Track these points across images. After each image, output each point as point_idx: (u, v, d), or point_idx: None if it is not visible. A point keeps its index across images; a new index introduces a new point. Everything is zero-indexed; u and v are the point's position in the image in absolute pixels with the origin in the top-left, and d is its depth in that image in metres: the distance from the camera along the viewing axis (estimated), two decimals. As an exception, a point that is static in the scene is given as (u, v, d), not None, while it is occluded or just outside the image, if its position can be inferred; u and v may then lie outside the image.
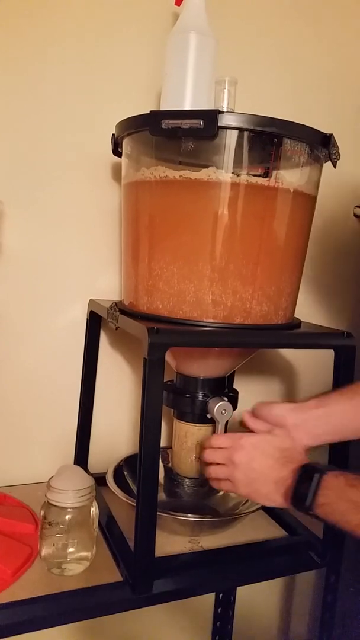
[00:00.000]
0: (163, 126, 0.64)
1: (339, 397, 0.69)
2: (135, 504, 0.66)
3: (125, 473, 0.84)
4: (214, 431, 0.80)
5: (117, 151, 0.80)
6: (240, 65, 0.94)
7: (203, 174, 0.66)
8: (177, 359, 0.77)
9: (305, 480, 0.56)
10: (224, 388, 0.80)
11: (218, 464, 0.66)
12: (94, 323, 0.89)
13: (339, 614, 0.80)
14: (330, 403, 0.68)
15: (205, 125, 0.62)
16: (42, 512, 0.67)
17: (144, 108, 0.69)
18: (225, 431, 0.98)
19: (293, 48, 1.00)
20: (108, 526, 0.77)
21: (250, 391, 0.88)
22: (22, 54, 0.81)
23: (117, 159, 0.83)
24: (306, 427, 0.67)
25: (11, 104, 0.82)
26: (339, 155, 0.73)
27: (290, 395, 1.08)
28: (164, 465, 0.87)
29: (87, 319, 0.89)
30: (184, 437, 0.79)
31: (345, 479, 0.55)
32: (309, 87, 1.02)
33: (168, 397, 0.78)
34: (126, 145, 0.76)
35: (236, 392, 0.80)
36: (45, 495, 0.67)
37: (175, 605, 0.98)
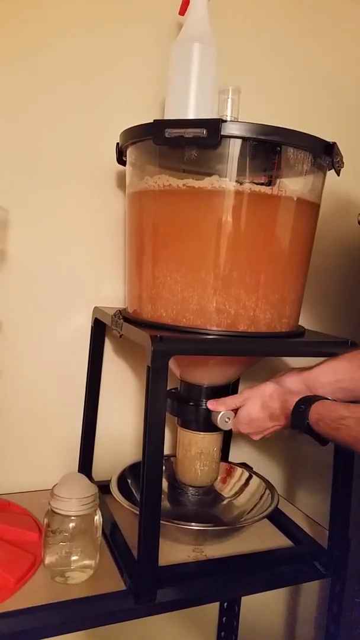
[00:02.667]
0: (166, 135, 0.65)
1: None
2: (138, 512, 0.66)
3: (129, 481, 0.84)
4: (218, 439, 0.80)
5: (121, 160, 0.80)
6: (244, 74, 0.94)
7: (206, 183, 0.66)
8: (181, 367, 0.77)
9: (299, 405, 0.66)
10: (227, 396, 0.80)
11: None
12: (99, 330, 0.89)
13: (344, 625, 0.79)
14: (329, 360, 0.73)
15: (209, 134, 0.63)
16: (45, 520, 0.67)
17: (147, 117, 0.69)
18: (230, 438, 0.98)
19: (297, 56, 1.00)
20: (112, 534, 0.76)
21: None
22: (28, 63, 0.82)
23: (121, 167, 0.83)
24: (320, 382, 0.71)
25: (16, 113, 0.83)
26: (343, 163, 0.73)
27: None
28: (168, 474, 0.87)
29: (92, 327, 0.89)
30: (188, 445, 0.79)
31: (332, 400, 0.66)
32: (313, 95, 1.02)
33: (172, 405, 0.78)
34: (130, 154, 0.76)
35: (240, 400, 0.80)
36: (49, 503, 0.67)
37: (180, 614, 0.97)
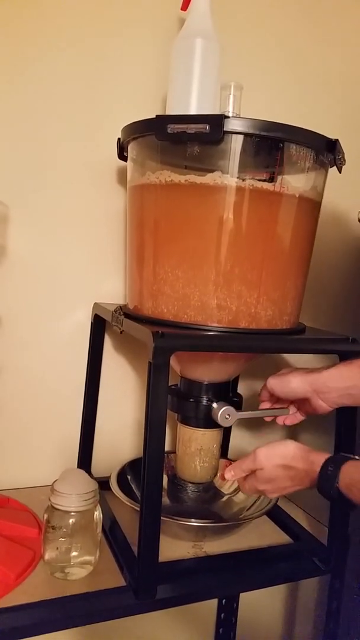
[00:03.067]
0: (169, 131, 0.64)
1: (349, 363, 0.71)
2: (138, 509, 0.66)
3: (129, 477, 0.84)
4: (218, 436, 0.80)
5: (122, 155, 0.80)
6: (247, 69, 0.94)
7: (208, 179, 0.66)
8: (182, 363, 0.77)
9: (327, 467, 0.61)
10: (228, 392, 0.80)
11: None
12: (99, 327, 0.89)
13: (343, 621, 0.80)
14: (340, 365, 0.72)
15: (211, 130, 0.62)
16: (45, 516, 0.67)
17: (149, 112, 0.69)
18: (230, 434, 0.98)
19: (300, 52, 1.00)
20: (111, 530, 0.76)
21: (255, 396, 0.88)
22: (28, 57, 0.82)
23: (122, 163, 0.83)
24: (328, 386, 0.70)
25: (16, 107, 0.82)
26: (344, 160, 0.73)
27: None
28: (167, 470, 0.87)
29: (92, 323, 0.89)
30: (188, 441, 0.79)
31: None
32: (316, 91, 1.02)
33: (172, 402, 0.78)
34: (132, 150, 0.76)
35: (240, 397, 0.80)
36: (49, 499, 0.67)
37: (178, 611, 0.97)
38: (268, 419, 0.80)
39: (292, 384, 0.72)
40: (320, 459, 0.62)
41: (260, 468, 0.67)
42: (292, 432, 1.13)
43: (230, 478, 0.71)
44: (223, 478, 0.76)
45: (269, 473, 0.67)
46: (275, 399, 0.79)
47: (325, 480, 0.60)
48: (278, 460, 0.66)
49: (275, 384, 0.74)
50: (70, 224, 0.88)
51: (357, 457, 0.62)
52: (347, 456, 0.61)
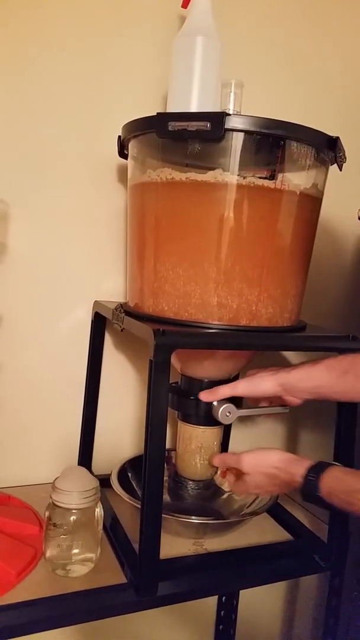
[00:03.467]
0: (170, 128, 0.64)
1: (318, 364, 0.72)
2: (139, 506, 0.66)
3: (130, 475, 0.84)
4: (218, 433, 0.80)
5: (123, 153, 0.80)
6: (247, 67, 0.94)
7: (209, 176, 0.66)
8: (182, 361, 0.77)
9: (308, 476, 0.64)
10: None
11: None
12: (99, 324, 0.89)
13: (342, 619, 0.80)
14: (306, 366, 0.72)
15: (212, 127, 0.63)
16: (46, 513, 0.67)
17: (150, 110, 0.69)
18: (230, 432, 0.98)
19: (300, 50, 1.00)
20: (112, 528, 0.77)
21: (255, 393, 0.88)
22: (28, 56, 0.82)
23: (122, 161, 0.83)
24: (297, 386, 0.71)
25: (16, 105, 0.82)
26: (345, 158, 0.73)
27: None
28: (168, 467, 0.87)
29: (92, 321, 0.89)
30: (188, 439, 0.79)
31: (342, 469, 0.63)
32: (317, 88, 1.02)
33: (173, 399, 0.78)
34: (132, 147, 0.76)
35: (241, 395, 0.80)
36: (50, 497, 0.67)
37: (178, 608, 0.98)
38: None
39: (261, 386, 0.72)
40: (300, 469, 0.64)
41: (246, 473, 0.70)
42: (293, 431, 1.13)
43: (215, 464, 0.76)
44: (224, 475, 0.77)
45: (255, 480, 0.70)
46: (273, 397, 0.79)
47: (308, 490, 0.63)
48: (262, 469, 0.69)
49: (245, 387, 0.73)
50: (71, 222, 0.88)
51: (335, 464, 0.65)
52: (325, 463, 0.64)
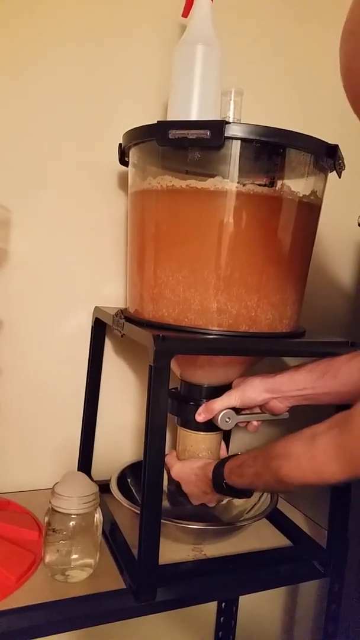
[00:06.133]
0: (170, 136, 0.65)
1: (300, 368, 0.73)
2: (138, 512, 0.66)
3: (129, 480, 0.84)
4: (218, 439, 0.80)
5: (123, 160, 0.80)
6: (247, 75, 0.95)
7: (209, 184, 0.66)
8: (182, 367, 0.78)
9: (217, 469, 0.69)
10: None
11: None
12: (99, 330, 0.89)
13: (342, 624, 0.80)
14: (290, 371, 0.73)
15: (212, 135, 0.63)
16: (46, 519, 0.67)
17: (151, 118, 0.70)
18: (230, 438, 0.99)
19: (300, 57, 1.01)
20: (111, 533, 0.77)
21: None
22: (31, 65, 0.82)
23: (123, 168, 0.83)
24: (282, 390, 0.72)
25: (19, 114, 0.83)
26: (344, 165, 0.74)
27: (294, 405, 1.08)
28: (167, 473, 0.87)
29: (92, 326, 0.90)
30: (188, 445, 0.79)
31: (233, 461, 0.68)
32: (316, 96, 1.03)
33: (172, 405, 0.79)
34: (133, 155, 0.77)
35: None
36: (50, 502, 0.67)
37: (178, 614, 0.97)
38: (251, 428, 0.80)
39: (250, 393, 0.73)
40: (211, 467, 0.70)
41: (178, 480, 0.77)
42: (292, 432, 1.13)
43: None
44: None
45: (185, 487, 0.77)
46: None
47: (217, 481, 0.68)
48: (185, 477, 0.76)
49: (237, 397, 0.73)
50: (72, 228, 0.89)
51: (239, 453, 0.69)
52: (232, 455, 0.70)
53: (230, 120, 0.75)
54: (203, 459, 0.77)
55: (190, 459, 0.77)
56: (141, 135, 0.71)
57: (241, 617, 1.09)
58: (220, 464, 0.69)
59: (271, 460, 0.59)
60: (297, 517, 0.88)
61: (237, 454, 0.70)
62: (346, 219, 1.05)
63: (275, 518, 0.86)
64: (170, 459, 0.79)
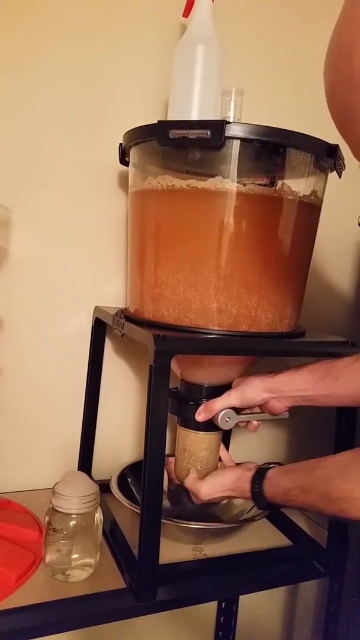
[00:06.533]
0: (170, 136, 0.65)
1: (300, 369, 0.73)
2: (139, 511, 0.66)
3: (129, 480, 0.84)
4: (218, 439, 0.80)
5: (124, 160, 0.80)
6: (248, 74, 0.95)
7: (210, 184, 0.66)
8: (182, 366, 0.78)
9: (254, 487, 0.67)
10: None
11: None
12: (99, 330, 0.90)
13: (342, 624, 0.80)
14: (290, 371, 0.73)
15: (213, 135, 0.63)
16: (46, 518, 0.67)
17: (151, 118, 0.70)
18: (230, 437, 0.99)
19: (301, 57, 1.01)
20: (112, 533, 0.77)
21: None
22: (31, 64, 0.82)
23: (124, 168, 0.83)
24: (283, 390, 0.72)
25: (19, 114, 0.83)
26: (344, 165, 0.74)
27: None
28: (167, 473, 0.87)
29: (92, 326, 0.90)
30: (188, 444, 0.79)
31: (277, 471, 0.67)
32: (317, 96, 1.02)
33: (172, 404, 0.79)
34: (133, 155, 0.77)
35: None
36: (50, 502, 0.67)
37: (178, 613, 0.97)
38: (251, 428, 0.80)
39: (249, 393, 0.73)
40: (247, 485, 0.68)
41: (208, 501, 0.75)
42: (292, 433, 1.13)
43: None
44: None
45: (213, 499, 0.74)
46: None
47: (258, 500, 0.67)
48: (218, 495, 0.73)
49: (237, 397, 0.73)
50: (72, 228, 0.89)
51: (273, 466, 0.68)
52: (263, 471, 0.67)
53: (231, 120, 0.75)
54: (225, 472, 0.74)
55: (211, 476, 0.74)
56: (142, 135, 0.71)
57: (241, 616, 1.09)
58: (257, 486, 0.66)
59: (331, 502, 0.58)
60: (297, 517, 0.88)
61: (272, 468, 0.67)
62: (346, 219, 1.05)
63: (275, 518, 0.86)
64: (194, 483, 0.75)
